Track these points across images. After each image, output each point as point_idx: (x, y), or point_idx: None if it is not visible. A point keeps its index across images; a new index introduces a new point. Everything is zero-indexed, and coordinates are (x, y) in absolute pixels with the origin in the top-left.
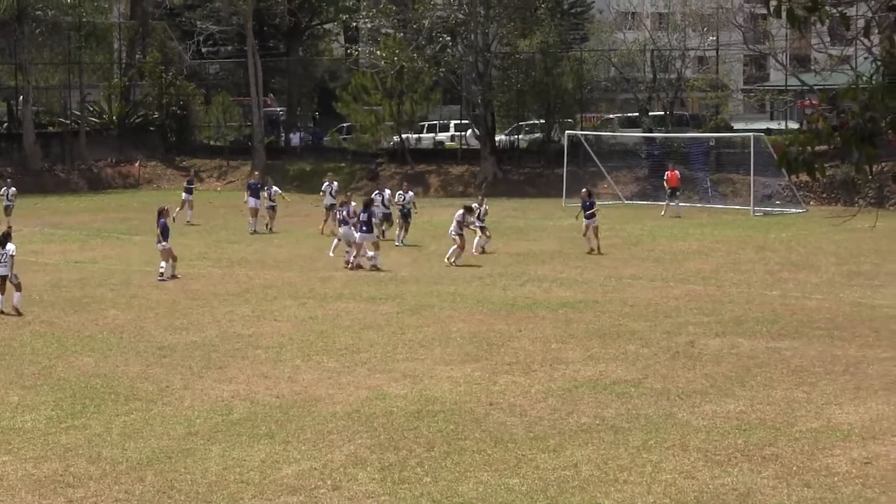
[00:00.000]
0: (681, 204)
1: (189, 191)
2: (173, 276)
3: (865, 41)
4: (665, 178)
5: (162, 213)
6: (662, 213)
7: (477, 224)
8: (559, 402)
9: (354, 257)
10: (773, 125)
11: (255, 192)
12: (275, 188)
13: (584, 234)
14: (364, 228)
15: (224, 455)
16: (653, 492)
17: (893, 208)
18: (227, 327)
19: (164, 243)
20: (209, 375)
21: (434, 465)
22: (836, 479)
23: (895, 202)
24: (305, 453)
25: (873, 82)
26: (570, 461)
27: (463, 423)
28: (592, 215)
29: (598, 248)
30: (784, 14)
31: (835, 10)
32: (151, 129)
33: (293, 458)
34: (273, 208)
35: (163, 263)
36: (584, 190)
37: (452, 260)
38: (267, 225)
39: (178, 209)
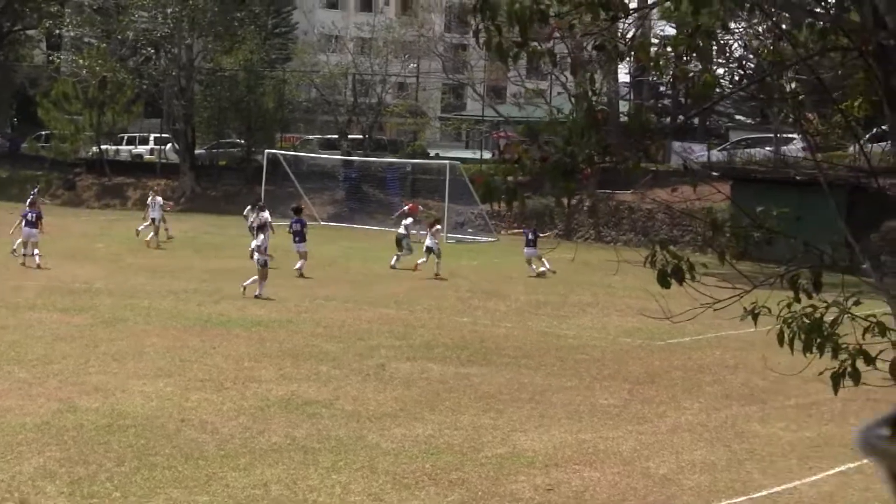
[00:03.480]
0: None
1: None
2: None
3: (561, 77)
4: (404, 209)
5: None
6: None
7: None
8: (251, 421)
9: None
10: (468, 154)
11: None
12: (159, 198)
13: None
14: (297, 238)
15: None
16: None
17: (580, 240)
18: None
19: None
20: None
21: (124, 479)
22: None
23: (582, 234)
24: None
25: (572, 118)
26: (260, 480)
27: (154, 439)
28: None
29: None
30: (493, 48)
31: (541, 47)
32: None
33: None
34: None
35: None
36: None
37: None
38: None
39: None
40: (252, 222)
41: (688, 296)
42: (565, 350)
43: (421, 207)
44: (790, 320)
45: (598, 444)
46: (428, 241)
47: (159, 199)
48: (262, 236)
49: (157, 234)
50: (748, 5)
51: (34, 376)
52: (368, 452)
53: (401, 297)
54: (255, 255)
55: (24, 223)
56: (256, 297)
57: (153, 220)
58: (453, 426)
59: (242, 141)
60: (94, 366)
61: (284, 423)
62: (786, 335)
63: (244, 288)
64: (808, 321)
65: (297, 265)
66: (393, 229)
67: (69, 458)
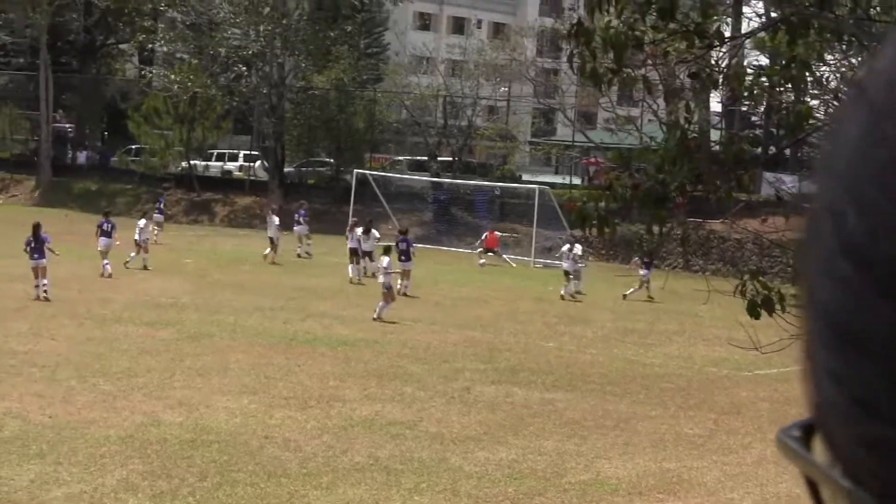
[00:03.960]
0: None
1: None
2: None
3: (652, 104)
4: (484, 238)
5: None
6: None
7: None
8: (334, 440)
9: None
10: (558, 179)
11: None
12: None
13: None
14: (403, 258)
15: None
16: None
17: (668, 269)
18: (2, 343)
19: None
20: None
21: (206, 495)
22: None
23: (671, 262)
24: (76, 476)
25: (665, 146)
26: (342, 499)
27: (237, 455)
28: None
29: None
30: (588, 73)
31: (636, 74)
32: None
33: (63, 479)
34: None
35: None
36: None
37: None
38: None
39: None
40: (358, 243)
41: (776, 326)
42: (651, 378)
43: (498, 233)
44: None
45: (682, 474)
46: (566, 265)
47: (276, 218)
48: (387, 258)
49: (274, 250)
50: (845, 37)
51: (119, 389)
52: (451, 475)
53: (486, 321)
54: (381, 277)
55: (100, 234)
56: (375, 319)
57: (271, 238)
58: (537, 451)
59: (332, 160)
60: (179, 380)
61: (368, 443)
62: None
63: (378, 317)
64: None
65: (402, 283)
66: (475, 251)
67: (152, 472)
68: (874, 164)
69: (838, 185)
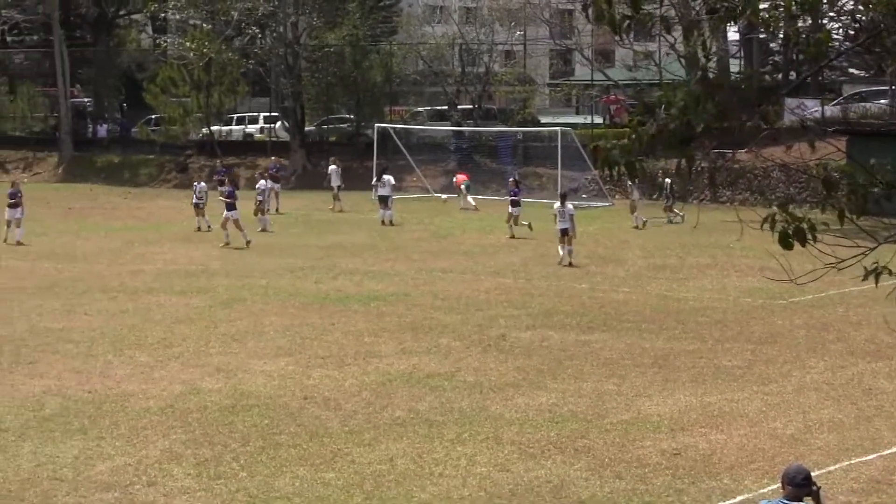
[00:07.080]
0: (470, 198)
1: None
2: None
3: (669, 38)
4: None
5: None
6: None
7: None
8: (373, 396)
9: None
10: (579, 120)
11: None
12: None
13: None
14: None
15: (36, 452)
16: (468, 485)
17: (696, 203)
18: (37, 321)
19: None
20: (19, 371)
21: (250, 459)
22: (646, 470)
23: (698, 197)
24: (119, 449)
25: (686, 89)
26: (385, 455)
27: (278, 418)
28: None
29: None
30: (605, 18)
31: (652, 12)
32: None
33: (107, 453)
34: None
35: None
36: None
37: None
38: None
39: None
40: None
41: (807, 253)
42: (686, 313)
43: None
44: None
45: (724, 407)
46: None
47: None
48: (570, 205)
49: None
50: None
51: (155, 360)
52: (492, 423)
53: (517, 266)
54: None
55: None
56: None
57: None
58: (576, 393)
59: (352, 116)
60: (215, 347)
61: (407, 396)
62: None
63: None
64: None
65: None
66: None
67: (194, 440)
68: None
69: None
